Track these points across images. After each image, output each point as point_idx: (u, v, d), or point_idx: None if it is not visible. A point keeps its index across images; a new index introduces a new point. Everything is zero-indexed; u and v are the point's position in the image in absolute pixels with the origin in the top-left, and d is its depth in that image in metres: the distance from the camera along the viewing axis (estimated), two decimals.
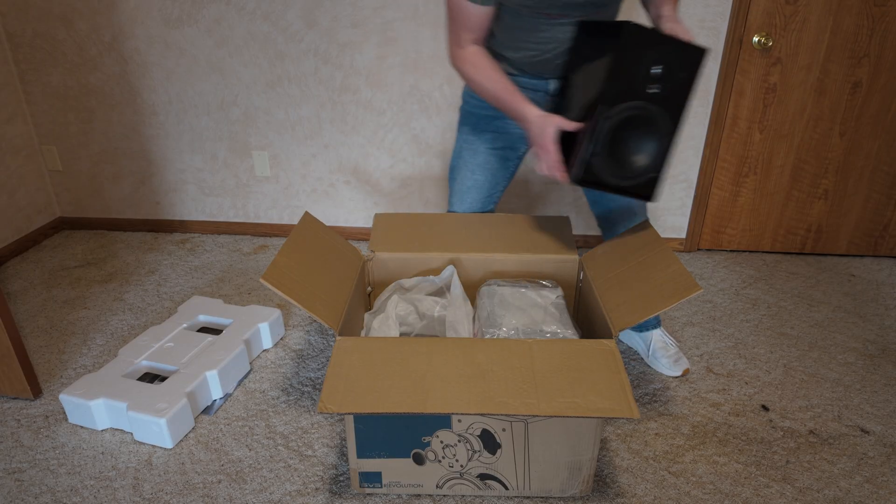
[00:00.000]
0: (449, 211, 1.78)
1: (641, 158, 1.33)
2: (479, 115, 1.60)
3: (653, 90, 1.27)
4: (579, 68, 1.40)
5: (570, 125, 1.32)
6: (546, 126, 1.33)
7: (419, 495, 1.36)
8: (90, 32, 2.34)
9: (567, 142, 1.35)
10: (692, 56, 1.26)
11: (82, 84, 2.44)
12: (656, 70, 1.26)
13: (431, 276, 1.68)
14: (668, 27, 1.32)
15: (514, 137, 1.62)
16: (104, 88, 2.44)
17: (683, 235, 2.49)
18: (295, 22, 2.27)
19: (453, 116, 2.36)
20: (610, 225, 1.68)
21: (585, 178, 1.32)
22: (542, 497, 1.36)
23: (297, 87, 2.37)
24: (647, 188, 1.36)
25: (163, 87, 2.42)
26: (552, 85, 1.53)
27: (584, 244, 2.56)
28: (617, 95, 1.26)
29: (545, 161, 1.35)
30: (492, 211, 1.75)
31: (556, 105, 1.49)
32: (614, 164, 1.32)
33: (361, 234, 2.63)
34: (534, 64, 1.48)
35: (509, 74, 1.52)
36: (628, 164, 1.33)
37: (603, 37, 1.30)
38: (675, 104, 1.30)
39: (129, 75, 2.41)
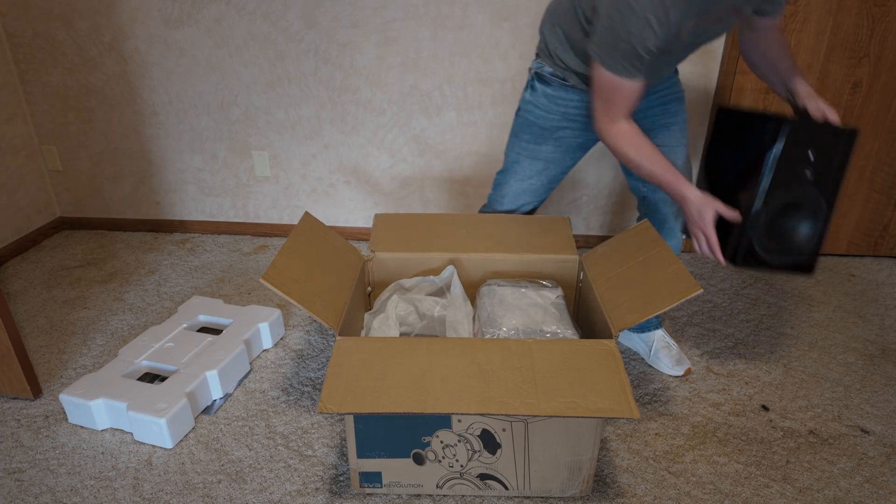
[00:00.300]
0: (486, 207, 1.80)
1: (800, 239, 1.39)
2: (543, 126, 1.60)
3: (808, 173, 1.33)
4: (724, 151, 1.46)
5: (730, 214, 1.35)
6: (705, 210, 1.36)
7: (419, 495, 1.36)
8: (90, 32, 2.34)
9: (720, 220, 1.39)
10: (846, 141, 1.33)
11: (82, 84, 2.44)
12: (811, 155, 1.32)
13: (431, 276, 1.68)
14: (813, 107, 1.38)
15: (574, 146, 1.63)
16: (104, 88, 2.44)
17: (684, 235, 2.49)
18: (295, 22, 2.27)
19: (453, 116, 2.36)
20: (648, 209, 1.71)
21: (746, 263, 1.38)
22: (542, 497, 1.36)
23: (297, 87, 2.37)
24: (807, 264, 1.42)
25: (163, 87, 2.42)
26: None
27: (584, 244, 2.56)
28: (775, 183, 1.32)
29: (702, 243, 1.40)
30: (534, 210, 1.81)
31: (700, 184, 1.53)
32: (773, 245, 1.38)
33: (361, 234, 2.63)
34: None
35: (578, 89, 1.52)
36: (787, 245, 1.39)
37: (752, 124, 1.38)
38: (829, 187, 1.35)
39: (129, 75, 2.41)
